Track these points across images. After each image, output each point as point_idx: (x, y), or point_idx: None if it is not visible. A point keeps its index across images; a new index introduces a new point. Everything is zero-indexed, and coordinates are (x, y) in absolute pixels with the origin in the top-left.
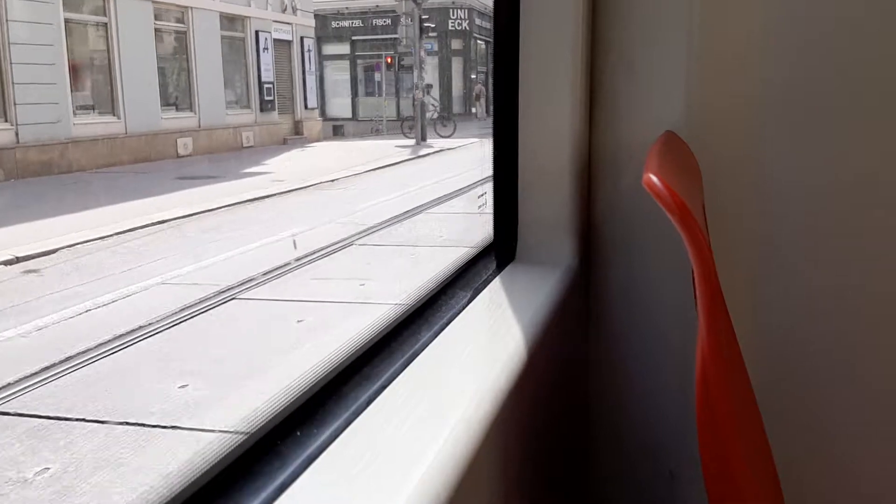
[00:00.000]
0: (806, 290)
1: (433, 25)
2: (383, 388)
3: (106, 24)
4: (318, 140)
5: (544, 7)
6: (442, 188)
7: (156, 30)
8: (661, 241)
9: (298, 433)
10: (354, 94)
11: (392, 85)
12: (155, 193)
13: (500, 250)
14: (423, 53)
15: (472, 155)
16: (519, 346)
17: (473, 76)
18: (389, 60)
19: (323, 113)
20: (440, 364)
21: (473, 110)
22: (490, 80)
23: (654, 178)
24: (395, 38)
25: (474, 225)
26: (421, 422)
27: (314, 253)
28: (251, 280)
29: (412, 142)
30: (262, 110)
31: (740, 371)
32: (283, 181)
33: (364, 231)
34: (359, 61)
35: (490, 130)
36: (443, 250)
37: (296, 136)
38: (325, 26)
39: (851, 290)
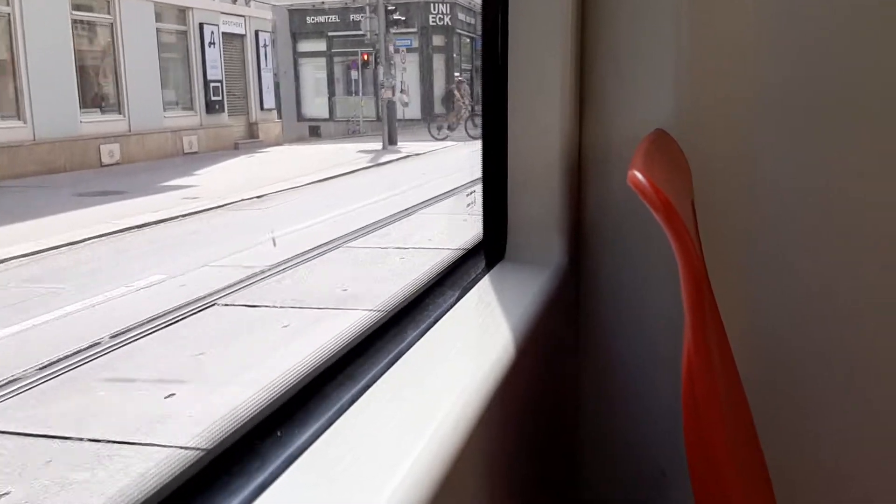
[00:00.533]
0: (797, 290)
1: (403, 18)
2: (367, 387)
3: (9, 14)
4: (276, 143)
5: (533, 3)
6: (382, 209)
7: (74, 21)
8: (651, 240)
9: (279, 433)
10: (332, 93)
11: (371, 83)
12: (29, 216)
13: (489, 249)
14: (391, 49)
15: (439, 162)
16: (507, 344)
17: (457, 74)
18: (366, 57)
19: (299, 113)
20: (426, 363)
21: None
22: (475, 78)
23: (639, 176)
24: (379, 34)
25: (403, 267)
26: (405, 421)
27: (151, 321)
28: (12, 382)
29: (380, 146)
30: (208, 112)
31: (729, 369)
32: (197, 199)
33: (246, 279)
34: (336, 58)
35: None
36: (336, 315)
37: (250, 139)
38: (302, 21)
39: (843, 289)
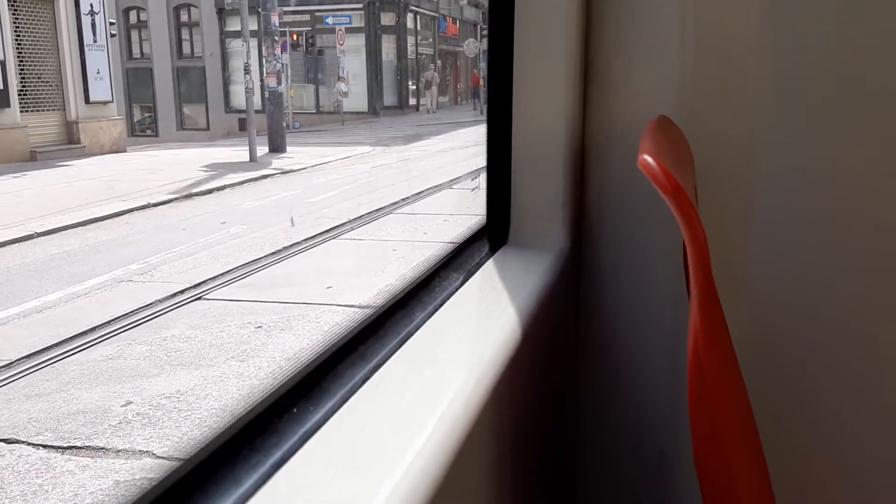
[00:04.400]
0: (798, 277)
1: None
2: (378, 366)
3: None
4: (113, 150)
5: None
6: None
7: None
8: (653, 225)
9: (295, 410)
10: (262, 80)
11: (316, 70)
12: None
13: (493, 234)
14: (272, 20)
15: (306, 189)
16: (513, 327)
17: (412, 57)
18: (295, 38)
19: (227, 103)
20: (435, 344)
21: (414, 101)
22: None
23: (649, 159)
24: (312, 11)
25: None
26: (417, 400)
27: None
28: None
29: (262, 154)
30: None
31: (730, 351)
32: None
33: None
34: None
35: (426, 128)
36: None
37: (66, 145)
38: None
39: (845, 277)
